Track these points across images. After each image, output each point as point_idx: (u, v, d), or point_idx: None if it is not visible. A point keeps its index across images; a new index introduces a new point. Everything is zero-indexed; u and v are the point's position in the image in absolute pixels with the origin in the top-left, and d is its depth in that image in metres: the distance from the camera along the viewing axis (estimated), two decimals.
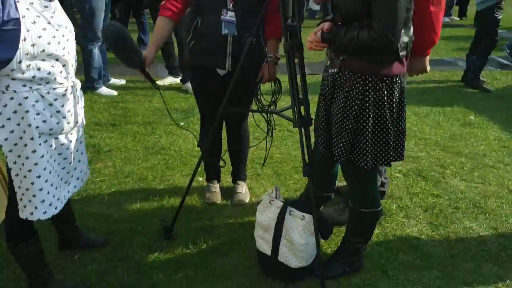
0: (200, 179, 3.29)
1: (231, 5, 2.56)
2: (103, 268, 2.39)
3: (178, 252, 2.54)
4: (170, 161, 3.56)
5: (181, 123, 4.26)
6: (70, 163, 2.07)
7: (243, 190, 3.11)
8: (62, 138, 1.97)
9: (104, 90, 4.97)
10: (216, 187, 3.12)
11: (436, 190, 3.26)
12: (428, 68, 2.63)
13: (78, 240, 2.51)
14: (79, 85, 2.04)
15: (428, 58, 2.58)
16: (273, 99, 2.81)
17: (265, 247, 2.40)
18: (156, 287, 2.28)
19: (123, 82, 5.42)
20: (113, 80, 5.33)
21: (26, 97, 1.78)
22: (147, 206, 2.97)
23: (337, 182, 2.84)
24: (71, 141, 2.04)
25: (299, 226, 2.29)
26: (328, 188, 2.66)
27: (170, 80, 5.40)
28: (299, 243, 2.29)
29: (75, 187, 2.16)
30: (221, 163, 3.03)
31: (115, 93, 4.99)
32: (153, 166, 3.48)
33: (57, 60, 1.85)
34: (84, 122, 2.17)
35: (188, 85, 5.03)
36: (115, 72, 5.59)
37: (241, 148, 3.06)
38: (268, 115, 2.78)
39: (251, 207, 3.01)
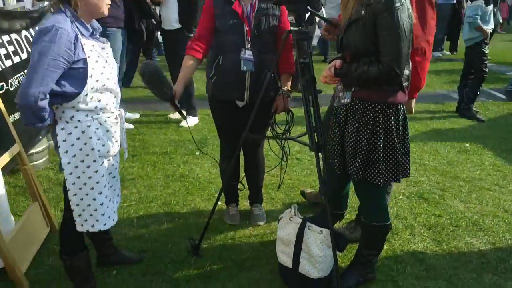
0: (219, 203, 3.55)
1: (249, 45, 2.89)
2: (139, 282, 2.63)
3: (206, 267, 2.79)
4: (190, 187, 3.83)
5: (196, 153, 4.55)
6: (116, 180, 2.35)
7: (260, 212, 3.37)
8: (111, 159, 2.26)
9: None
10: (235, 209, 3.38)
11: (438, 211, 3.53)
12: (413, 109, 2.95)
13: (115, 257, 2.75)
14: (123, 113, 2.34)
15: (414, 100, 2.90)
16: (287, 128, 3.11)
17: (286, 260, 2.65)
18: None
19: (137, 116, 5.73)
20: (128, 115, 5.63)
21: (89, 126, 2.08)
22: (173, 227, 3.23)
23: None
24: (116, 161, 2.33)
25: (317, 239, 2.55)
26: (341, 206, 2.94)
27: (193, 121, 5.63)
28: (317, 255, 2.54)
29: (117, 202, 2.43)
30: (240, 186, 3.30)
31: (131, 126, 5.29)
32: (175, 192, 3.75)
33: (110, 92, 2.16)
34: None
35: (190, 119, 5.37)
36: (128, 107, 5.91)
37: (258, 173, 3.34)
38: (282, 142, 3.08)
39: (268, 227, 3.27)
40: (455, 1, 10.23)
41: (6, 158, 2.78)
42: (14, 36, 3.72)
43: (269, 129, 3.12)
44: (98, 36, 2.16)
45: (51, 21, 1.98)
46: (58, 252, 2.42)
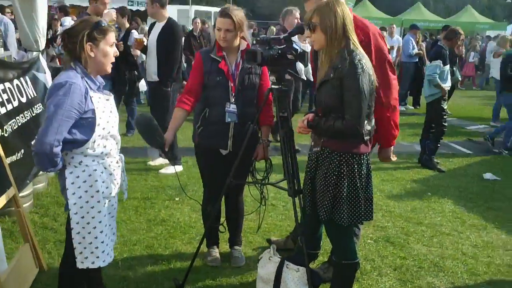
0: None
1: (233, 99, 3.23)
2: None
3: None
4: (172, 231, 4.03)
5: (176, 198, 4.76)
6: (114, 219, 2.57)
7: (240, 255, 3.59)
8: (112, 199, 2.49)
9: None
10: (216, 251, 3.59)
11: (403, 253, 3.83)
12: (393, 157, 3.31)
13: None
14: (123, 158, 2.58)
15: (392, 148, 3.26)
16: (266, 174, 3.40)
17: None
18: None
19: None
20: None
21: (95, 170, 2.32)
22: (157, 269, 3.41)
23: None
24: (115, 202, 2.56)
25: (295, 277, 2.79)
26: (315, 247, 3.20)
27: (160, 161, 5.90)
28: None
29: (113, 240, 2.62)
30: (221, 228, 3.53)
31: None
32: (157, 236, 3.94)
33: (114, 139, 2.42)
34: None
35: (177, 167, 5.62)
36: None
37: (238, 217, 3.59)
38: (261, 187, 3.36)
39: (247, 268, 3.49)
40: (417, 60, 11.05)
41: (3, 200, 2.96)
42: (7, 85, 3.96)
43: (249, 175, 3.41)
44: (102, 89, 2.44)
45: (64, 77, 2.26)
46: None
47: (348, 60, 2.51)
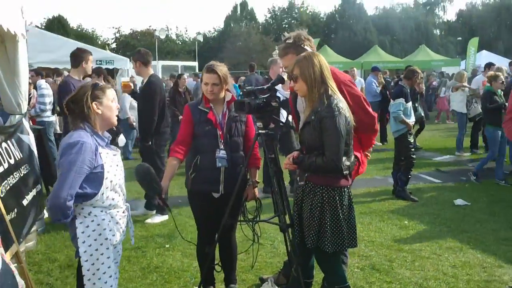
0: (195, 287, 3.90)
1: (222, 146, 3.49)
2: None
3: None
4: (166, 277, 4.16)
5: (166, 245, 4.90)
6: (118, 266, 2.73)
7: None
8: (118, 246, 2.66)
9: None
10: None
11: (388, 278, 4.06)
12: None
13: None
14: (129, 207, 2.78)
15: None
16: (256, 213, 3.63)
17: None
18: None
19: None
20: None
21: (103, 219, 2.52)
22: None
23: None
24: (120, 249, 2.72)
25: None
26: (309, 276, 3.39)
27: (160, 218, 5.96)
28: None
29: (116, 284, 2.77)
30: (217, 268, 3.69)
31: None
32: (153, 282, 4.06)
33: (121, 191, 2.62)
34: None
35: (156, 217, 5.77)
36: None
37: (232, 256, 3.77)
38: (253, 225, 3.57)
39: None
40: (380, 99, 11.60)
41: (8, 257, 3.07)
42: None
43: (240, 215, 3.63)
44: (109, 145, 2.66)
45: (76, 137, 2.48)
46: None
47: (326, 103, 2.84)
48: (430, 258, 4.54)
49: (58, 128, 9.15)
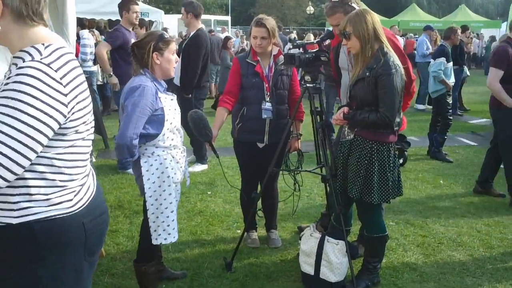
0: (238, 231, 4.13)
1: (268, 98, 3.61)
2: None
3: (240, 279, 3.35)
4: (210, 220, 4.40)
5: (208, 192, 5.14)
6: (177, 204, 2.95)
7: (276, 237, 3.97)
8: (178, 185, 2.87)
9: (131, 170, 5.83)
10: (255, 235, 3.97)
11: (423, 232, 4.21)
12: None
13: (164, 273, 3.28)
14: (185, 149, 2.96)
15: None
16: (298, 164, 3.79)
17: (308, 269, 3.24)
18: None
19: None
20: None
21: (165, 159, 2.71)
22: (204, 250, 3.79)
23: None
24: (179, 188, 2.93)
25: (335, 250, 3.16)
26: (347, 224, 3.56)
27: (201, 167, 6.18)
28: (336, 262, 3.15)
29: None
30: (260, 213, 3.90)
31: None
32: (198, 224, 4.31)
33: (178, 132, 2.80)
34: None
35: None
36: None
37: (274, 203, 3.96)
38: (295, 175, 3.74)
39: (284, 248, 3.86)
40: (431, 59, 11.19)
41: None
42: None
43: (283, 165, 3.79)
44: (166, 91, 2.82)
45: (137, 81, 2.65)
46: None
47: (383, 61, 2.91)
48: (464, 216, 4.65)
49: (100, 77, 9.39)
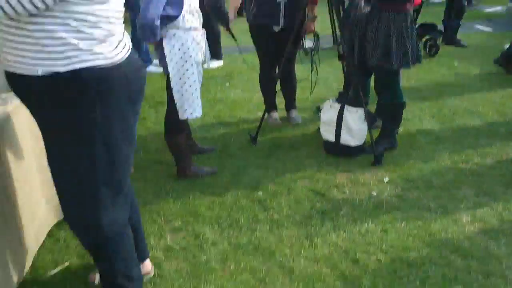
0: (259, 113, 4.29)
1: None
2: (218, 160, 3.41)
3: (265, 150, 3.58)
4: (231, 106, 4.57)
5: (226, 84, 5.27)
6: (200, 84, 3.07)
7: (296, 114, 4.14)
8: (199, 66, 2.98)
9: (152, 68, 5.94)
10: (276, 114, 4.14)
11: (437, 105, 4.35)
12: None
13: (196, 148, 3.50)
14: (205, 31, 3.03)
15: None
16: (314, 45, 3.85)
17: (329, 136, 3.43)
18: (260, 167, 3.31)
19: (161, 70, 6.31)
20: (155, 62, 6.24)
21: (187, 39, 2.80)
22: (229, 130, 4.00)
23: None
24: (201, 69, 3.05)
25: (355, 117, 3.33)
26: (365, 96, 3.70)
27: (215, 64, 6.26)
28: (355, 128, 3.33)
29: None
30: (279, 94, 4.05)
31: (161, 69, 5.92)
32: (220, 110, 4.48)
33: (198, 14, 2.86)
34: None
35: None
36: None
37: (293, 83, 4.09)
38: (312, 55, 3.82)
39: (304, 125, 4.05)
40: None
41: None
42: None
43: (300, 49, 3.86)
44: None
45: None
46: None
47: None
48: (479, 92, 4.74)
49: None
